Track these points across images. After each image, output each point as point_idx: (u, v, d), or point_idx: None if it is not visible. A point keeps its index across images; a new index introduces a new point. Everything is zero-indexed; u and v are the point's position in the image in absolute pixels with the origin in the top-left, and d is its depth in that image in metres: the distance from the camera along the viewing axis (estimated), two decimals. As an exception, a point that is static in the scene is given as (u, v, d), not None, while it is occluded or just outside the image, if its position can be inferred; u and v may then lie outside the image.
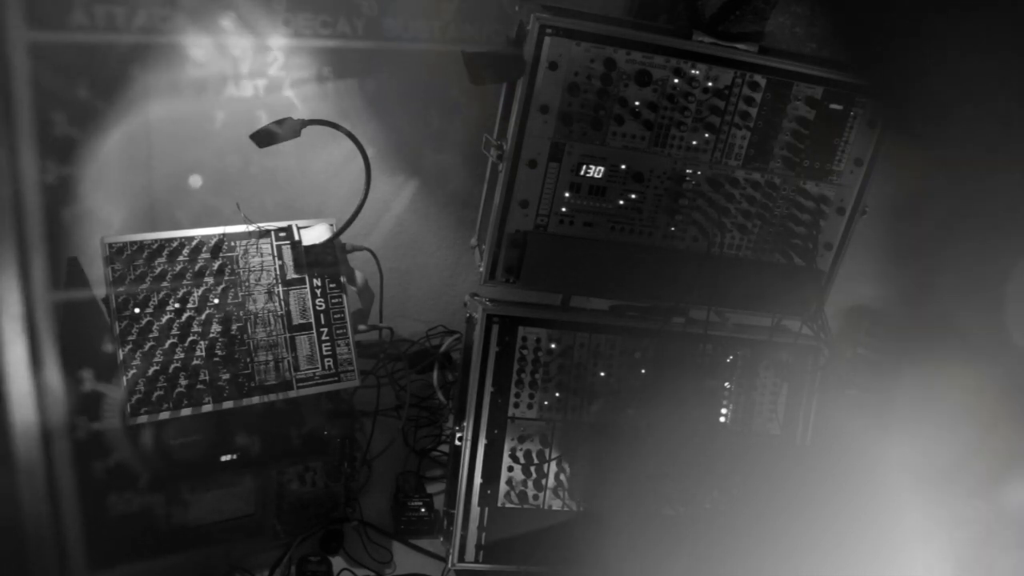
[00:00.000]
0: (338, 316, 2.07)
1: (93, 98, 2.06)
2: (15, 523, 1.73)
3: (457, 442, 2.04)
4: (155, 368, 1.89)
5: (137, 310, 1.89)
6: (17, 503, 1.73)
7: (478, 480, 2.02)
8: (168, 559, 1.94)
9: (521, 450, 2.06)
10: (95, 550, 1.87)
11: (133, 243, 1.92)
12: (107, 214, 2.18)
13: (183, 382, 1.90)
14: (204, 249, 1.98)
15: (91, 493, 1.88)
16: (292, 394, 2.00)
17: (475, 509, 2.03)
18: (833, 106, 2.07)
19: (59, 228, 2.03)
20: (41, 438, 1.79)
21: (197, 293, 1.95)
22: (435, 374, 2.51)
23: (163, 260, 1.94)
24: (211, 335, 1.95)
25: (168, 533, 1.95)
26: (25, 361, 1.78)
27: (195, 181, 2.24)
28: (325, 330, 2.05)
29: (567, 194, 2.03)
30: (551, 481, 2.08)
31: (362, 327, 2.21)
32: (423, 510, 2.23)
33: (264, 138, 1.95)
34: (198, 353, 1.93)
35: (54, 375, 1.84)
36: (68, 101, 2.01)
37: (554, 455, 2.08)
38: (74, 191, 2.08)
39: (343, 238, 2.09)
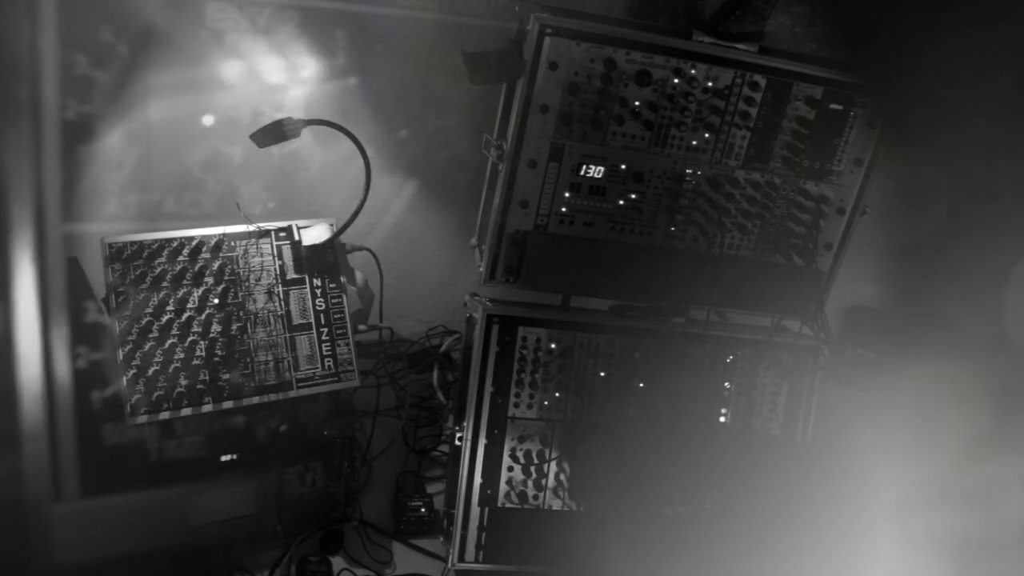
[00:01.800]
0: (338, 316, 2.07)
1: (116, 42, 2.13)
2: (15, 446, 1.78)
3: (457, 442, 2.04)
4: (155, 368, 1.89)
5: (137, 310, 1.90)
6: (17, 429, 1.78)
7: (478, 480, 2.02)
8: (157, 493, 1.95)
9: (521, 450, 2.06)
10: (88, 476, 1.90)
11: (133, 243, 1.92)
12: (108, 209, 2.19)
13: (183, 382, 1.90)
14: (204, 249, 1.98)
15: (88, 421, 1.92)
16: (292, 394, 2.00)
17: (475, 509, 2.03)
18: (833, 106, 2.07)
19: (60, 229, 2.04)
20: (44, 366, 1.84)
21: (197, 293, 1.95)
22: (435, 374, 2.51)
23: (163, 260, 1.94)
24: (211, 335, 1.95)
25: (158, 466, 1.95)
26: (33, 287, 1.83)
27: (208, 120, 2.27)
28: (325, 330, 2.05)
29: (567, 194, 2.03)
30: (551, 481, 2.08)
31: (362, 327, 2.21)
32: (423, 510, 2.23)
33: (264, 138, 1.95)
34: (198, 353, 1.93)
35: (59, 303, 1.86)
36: (91, 44, 2.10)
37: (554, 455, 2.08)
38: (92, 130, 2.16)
39: (343, 238, 2.09)
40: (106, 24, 2.11)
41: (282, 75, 2.32)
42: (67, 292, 2.00)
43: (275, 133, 1.95)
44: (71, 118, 2.12)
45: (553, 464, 2.08)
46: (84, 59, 2.11)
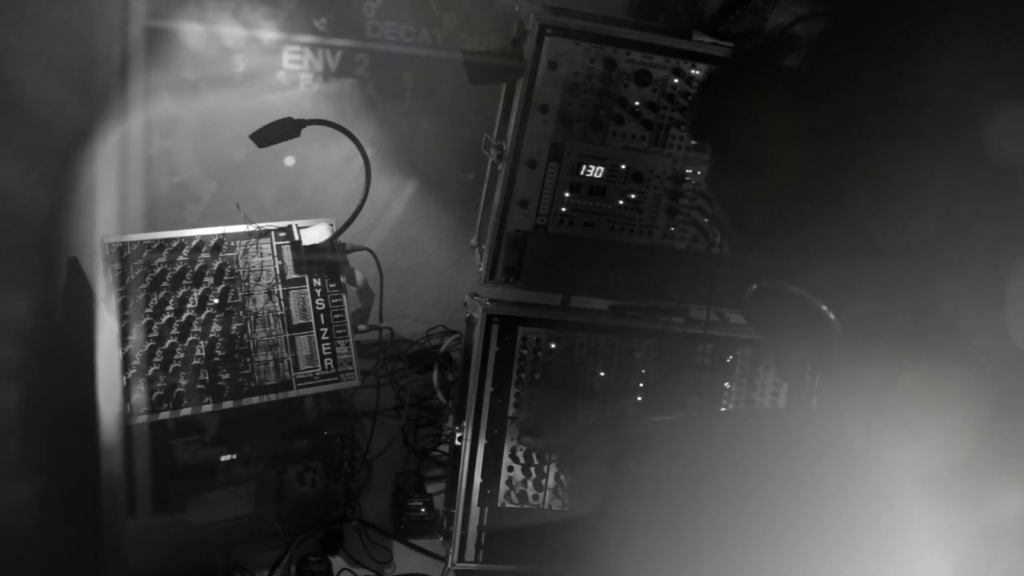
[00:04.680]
0: (338, 316, 2.07)
1: (198, 81, 2.33)
2: (95, 463, 1.83)
3: (457, 442, 2.04)
4: (155, 368, 1.89)
5: (137, 310, 1.89)
6: (96, 445, 1.82)
7: (478, 480, 2.02)
8: (199, 508, 1.99)
9: (521, 450, 2.06)
10: (159, 494, 1.95)
11: (133, 243, 1.92)
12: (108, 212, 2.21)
13: (183, 382, 1.91)
14: (204, 249, 1.98)
15: (161, 441, 1.94)
16: (292, 394, 2.00)
17: (475, 509, 2.03)
18: (833, 106, 2.07)
19: (60, 227, 2.04)
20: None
21: (197, 293, 1.95)
22: (435, 374, 2.51)
23: (163, 260, 1.94)
24: (211, 335, 1.95)
25: (223, 485, 1.99)
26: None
27: (289, 161, 2.41)
28: (325, 330, 2.05)
29: (567, 194, 2.03)
30: (551, 481, 2.08)
31: (362, 327, 2.21)
32: (423, 510, 2.22)
33: (264, 138, 1.95)
34: (198, 353, 1.93)
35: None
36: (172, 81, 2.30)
37: (553, 456, 2.08)
38: (174, 162, 2.37)
39: (343, 238, 2.09)
40: (189, 64, 2.28)
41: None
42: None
43: (275, 133, 1.95)
44: (154, 153, 2.29)
45: (553, 464, 2.08)
46: (168, 96, 2.28)
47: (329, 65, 2.41)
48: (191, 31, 2.25)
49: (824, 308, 0.94)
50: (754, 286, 1.08)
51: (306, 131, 1.99)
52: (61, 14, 1.86)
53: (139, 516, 1.90)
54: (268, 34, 2.33)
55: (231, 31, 2.28)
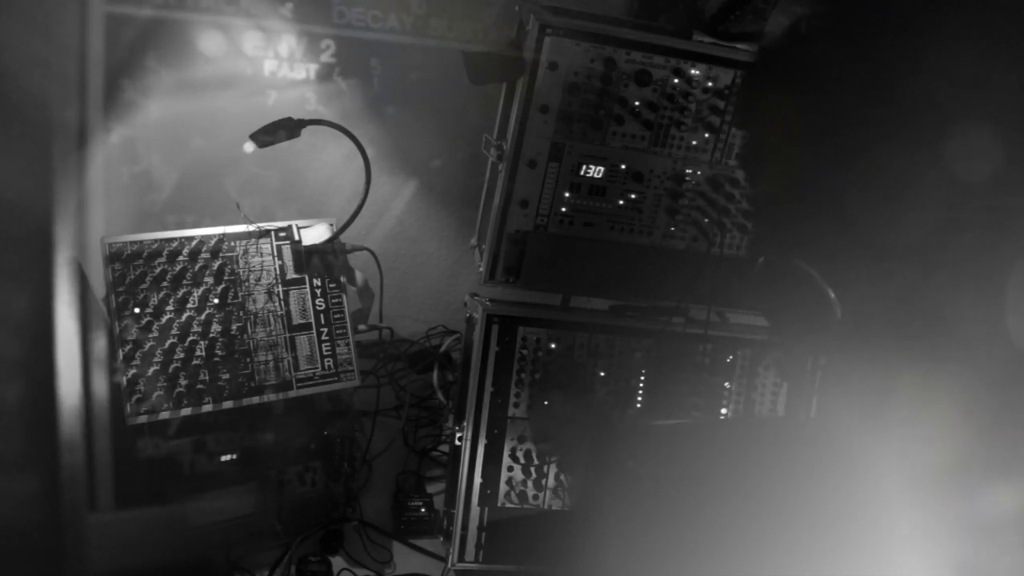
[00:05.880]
0: (338, 316, 2.07)
1: (158, 67, 2.29)
2: (54, 457, 1.82)
3: (457, 442, 2.04)
4: (155, 368, 1.89)
5: (137, 310, 1.90)
6: (55, 440, 1.81)
7: (478, 480, 2.02)
8: (187, 506, 1.98)
9: (521, 450, 2.06)
10: (122, 489, 1.93)
11: (133, 243, 1.92)
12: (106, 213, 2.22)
13: (183, 382, 1.91)
14: (204, 249, 1.98)
15: (122, 436, 1.93)
16: (292, 394, 2.01)
17: (475, 509, 2.03)
18: (833, 106, 2.07)
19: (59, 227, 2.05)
20: (82, 379, 1.87)
21: (197, 293, 1.95)
22: (435, 374, 2.51)
23: (163, 260, 1.94)
24: (211, 335, 1.95)
25: (191, 480, 1.97)
26: (75, 304, 1.87)
27: (248, 147, 2.37)
28: (325, 330, 2.05)
29: (567, 194, 2.03)
30: (551, 481, 2.08)
31: (362, 327, 2.21)
32: (423, 510, 2.23)
33: (264, 138, 1.95)
34: (198, 353, 1.93)
35: (99, 319, 1.92)
36: (135, 69, 2.27)
37: (554, 456, 2.08)
38: (133, 151, 2.33)
39: (343, 238, 2.09)
40: (151, 51, 2.25)
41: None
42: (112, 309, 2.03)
43: (275, 133, 1.95)
44: (115, 141, 2.26)
45: (553, 464, 2.08)
46: (129, 84, 2.25)
47: (294, 51, 2.37)
48: (154, 20, 2.21)
49: (826, 287, 0.95)
50: (762, 259, 1.09)
51: (306, 131, 1.99)
52: (42, 9, 1.85)
53: (136, 514, 1.90)
54: (232, 20, 2.28)
55: (194, 18, 2.24)
